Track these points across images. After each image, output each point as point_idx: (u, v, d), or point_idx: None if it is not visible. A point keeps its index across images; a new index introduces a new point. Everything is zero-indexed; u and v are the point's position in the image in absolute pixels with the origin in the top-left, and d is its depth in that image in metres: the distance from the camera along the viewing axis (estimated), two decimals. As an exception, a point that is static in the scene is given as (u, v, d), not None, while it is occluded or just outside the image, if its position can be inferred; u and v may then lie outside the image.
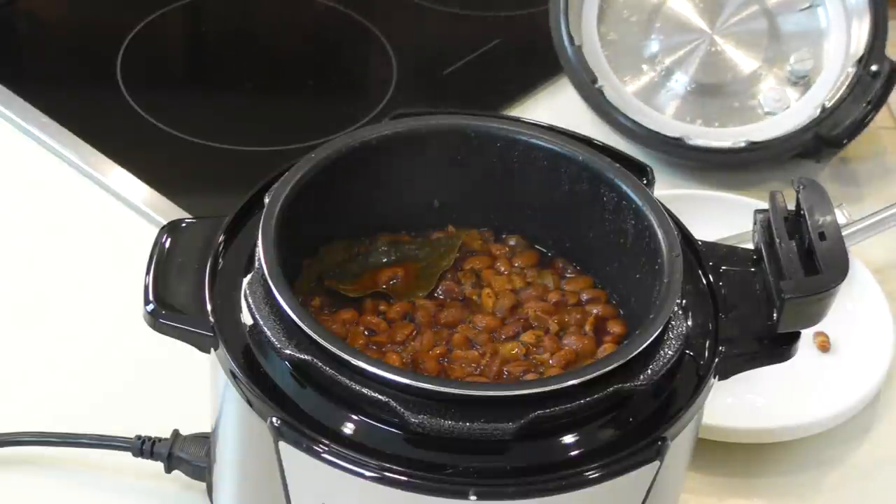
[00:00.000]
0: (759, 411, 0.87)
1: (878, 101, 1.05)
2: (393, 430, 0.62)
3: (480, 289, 0.75)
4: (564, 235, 0.77)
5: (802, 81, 1.09)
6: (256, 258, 0.67)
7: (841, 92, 1.06)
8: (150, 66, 1.21)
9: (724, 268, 0.72)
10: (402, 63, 1.20)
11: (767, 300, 0.69)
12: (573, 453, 0.63)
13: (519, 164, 0.75)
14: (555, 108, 1.14)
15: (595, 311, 0.73)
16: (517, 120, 0.79)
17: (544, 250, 0.78)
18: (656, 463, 0.64)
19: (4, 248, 1.00)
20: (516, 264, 0.76)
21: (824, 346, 0.93)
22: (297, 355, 0.63)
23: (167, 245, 0.71)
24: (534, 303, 0.74)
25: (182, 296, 0.69)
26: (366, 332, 0.71)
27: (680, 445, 0.66)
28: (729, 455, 0.86)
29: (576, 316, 0.73)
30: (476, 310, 0.73)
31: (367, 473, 0.62)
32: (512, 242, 0.78)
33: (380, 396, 0.62)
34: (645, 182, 0.74)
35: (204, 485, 0.80)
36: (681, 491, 0.74)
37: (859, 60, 1.06)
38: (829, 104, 1.05)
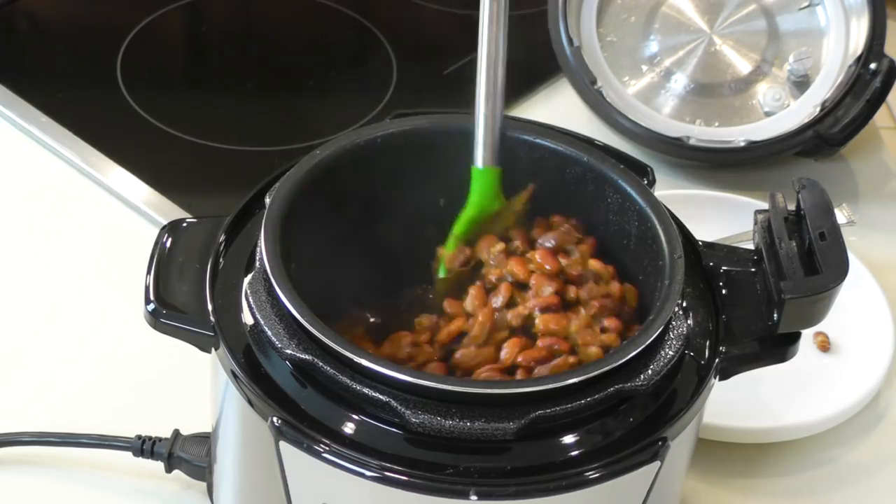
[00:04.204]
0: (759, 411, 0.87)
1: (877, 100, 1.05)
2: (393, 430, 0.62)
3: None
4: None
5: (801, 80, 1.09)
6: (258, 257, 0.67)
7: (840, 91, 1.05)
8: (150, 66, 1.21)
9: (724, 268, 0.72)
10: (402, 63, 1.20)
11: (768, 300, 0.69)
12: (573, 453, 0.63)
13: (523, 164, 0.75)
14: (554, 108, 1.14)
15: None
16: (520, 120, 0.79)
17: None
18: (656, 463, 0.64)
19: (4, 248, 1.00)
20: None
21: (824, 346, 0.93)
22: (298, 355, 0.63)
23: (168, 245, 0.71)
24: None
25: (183, 295, 0.69)
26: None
27: (680, 446, 0.66)
28: (729, 455, 0.86)
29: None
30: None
31: (368, 473, 0.62)
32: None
33: (380, 396, 0.62)
34: (645, 182, 0.74)
35: (204, 485, 0.80)
36: (681, 491, 0.74)
37: (858, 59, 1.06)
38: (828, 103, 1.05)
